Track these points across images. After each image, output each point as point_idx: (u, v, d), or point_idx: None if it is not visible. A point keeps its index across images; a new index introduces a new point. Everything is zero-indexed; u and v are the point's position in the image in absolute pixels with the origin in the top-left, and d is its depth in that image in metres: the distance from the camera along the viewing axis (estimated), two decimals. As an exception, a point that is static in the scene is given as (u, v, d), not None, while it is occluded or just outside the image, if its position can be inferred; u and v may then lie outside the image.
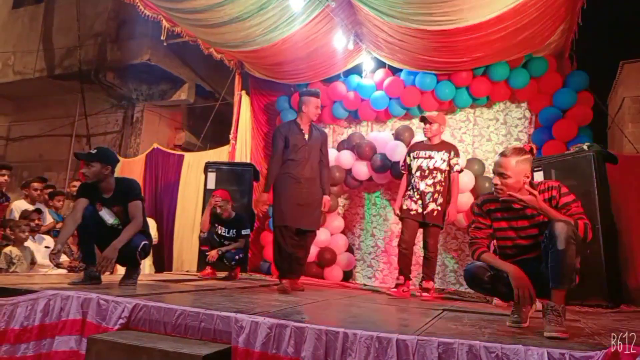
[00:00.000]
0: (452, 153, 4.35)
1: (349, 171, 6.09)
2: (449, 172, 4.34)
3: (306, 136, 4.04)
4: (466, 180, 5.36)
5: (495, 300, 4.02)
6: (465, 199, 5.39)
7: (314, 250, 5.94)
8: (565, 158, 4.35)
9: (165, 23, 5.50)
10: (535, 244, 2.43)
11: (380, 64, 6.21)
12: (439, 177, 4.30)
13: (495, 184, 2.47)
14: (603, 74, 6.37)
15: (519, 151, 2.44)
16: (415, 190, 4.33)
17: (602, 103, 5.63)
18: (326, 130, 6.78)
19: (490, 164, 5.73)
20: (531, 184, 2.46)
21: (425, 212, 4.26)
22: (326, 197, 4.09)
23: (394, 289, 4.30)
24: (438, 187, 4.28)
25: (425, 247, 4.37)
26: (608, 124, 7.04)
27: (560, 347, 1.79)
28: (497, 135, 5.87)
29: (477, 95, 5.74)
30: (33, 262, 4.70)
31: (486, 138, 5.91)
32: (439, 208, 4.26)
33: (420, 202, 4.29)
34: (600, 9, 4.68)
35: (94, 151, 3.35)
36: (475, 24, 4.67)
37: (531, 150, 2.49)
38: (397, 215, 4.48)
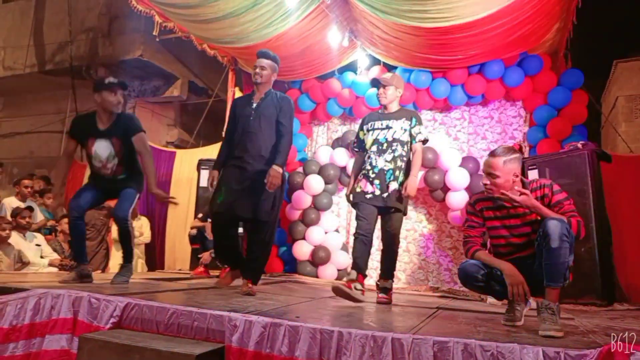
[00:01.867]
0: (414, 120, 3.49)
1: (343, 169, 6.07)
2: (411, 143, 3.49)
3: (254, 104, 3.42)
4: (461, 178, 5.36)
5: (489, 299, 4.02)
6: (460, 197, 5.40)
7: (307, 249, 5.93)
8: (559, 156, 4.36)
9: (158, 18, 5.45)
10: (529, 242, 2.45)
11: (375, 61, 6.19)
12: (400, 150, 3.44)
13: (485, 184, 2.51)
14: (597, 72, 6.41)
15: (507, 151, 2.46)
16: (371, 168, 3.45)
17: (596, 102, 5.65)
18: (321, 129, 6.77)
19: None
20: (523, 183, 2.47)
21: (385, 195, 3.37)
22: (274, 168, 3.21)
23: (343, 282, 3.48)
24: (399, 163, 3.42)
25: (384, 237, 3.47)
26: (602, 123, 7.08)
27: (555, 346, 1.78)
28: (492, 133, 5.87)
29: (472, 93, 5.74)
30: (23, 261, 4.64)
31: (481, 136, 5.91)
32: (402, 188, 3.40)
33: (378, 182, 3.39)
34: (595, 8, 4.69)
35: (115, 80, 3.29)
36: (470, 22, 4.66)
37: (520, 149, 2.51)
38: (349, 200, 3.61)
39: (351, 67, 6.44)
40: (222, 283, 3.60)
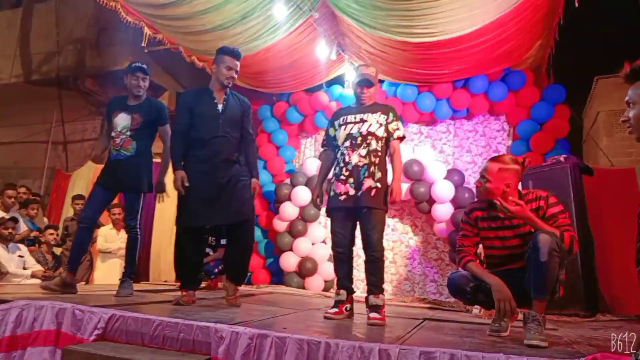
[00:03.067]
0: (391, 115, 3.16)
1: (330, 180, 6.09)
2: (387, 140, 3.16)
3: (220, 106, 3.25)
4: (446, 190, 5.42)
5: (475, 310, 4.05)
6: (445, 210, 5.45)
7: (294, 260, 5.92)
8: (542, 169, 4.44)
9: (147, 30, 5.46)
10: (521, 254, 2.45)
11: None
12: (375, 144, 3.08)
13: (476, 185, 2.59)
14: (579, 88, 6.55)
15: (507, 160, 2.50)
16: (344, 165, 3.09)
17: (577, 116, 5.77)
18: (309, 141, 6.80)
19: (469, 175, 5.81)
20: (519, 193, 2.49)
21: (359, 193, 2.99)
22: (255, 180, 3.29)
23: (334, 309, 2.96)
24: (374, 158, 3.05)
25: (365, 244, 2.99)
26: (583, 137, 7.21)
27: (540, 356, 1.81)
28: (476, 146, 5.96)
29: (457, 107, 5.84)
30: (2, 272, 4.55)
31: (466, 149, 5.99)
32: (379, 185, 3.00)
33: (352, 180, 3.03)
34: (577, 26, 4.81)
35: (145, 66, 3.50)
36: (455, 37, 4.76)
37: (523, 163, 2.51)
38: (317, 206, 3.39)
39: (339, 81, 6.51)
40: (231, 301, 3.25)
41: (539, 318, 2.19)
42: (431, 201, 5.58)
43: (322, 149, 3.48)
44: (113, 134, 3.43)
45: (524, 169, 2.50)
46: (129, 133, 3.40)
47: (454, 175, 5.62)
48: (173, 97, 8.91)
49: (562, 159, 4.39)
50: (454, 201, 5.45)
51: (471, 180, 5.68)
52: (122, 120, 3.42)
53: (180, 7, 4.90)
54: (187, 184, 3.11)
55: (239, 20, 5.06)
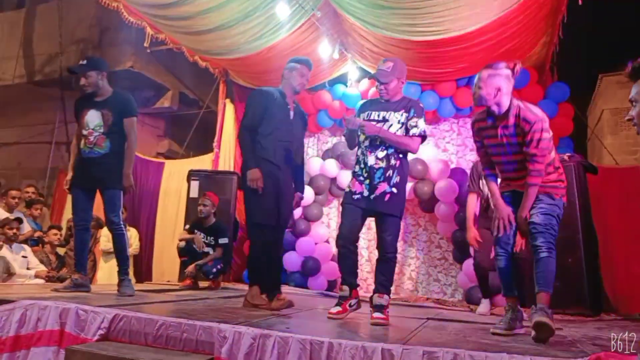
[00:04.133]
0: (412, 111, 2.98)
1: (333, 180, 6.09)
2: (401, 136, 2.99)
3: (291, 112, 3.27)
4: (449, 189, 5.40)
5: (478, 309, 4.04)
6: (448, 209, 5.43)
7: (297, 260, 5.92)
8: (546, 168, 4.41)
9: (149, 30, 5.47)
10: (521, 167, 2.55)
11: (366, 74, 6.25)
12: (394, 147, 2.96)
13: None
14: (583, 86, 6.53)
15: (498, 66, 2.58)
16: (363, 166, 3.00)
17: (582, 115, 5.75)
18: (312, 140, 6.80)
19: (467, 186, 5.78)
20: (511, 102, 2.53)
21: (373, 196, 2.92)
22: (299, 194, 3.38)
23: (337, 307, 2.91)
24: (393, 161, 2.94)
25: (379, 244, 3.00)
26: (588, 136, 7.18)
27: (544, 355, 1.80)
28: (480, 145, 5.93)
29: (461, 106, 5.81)
30: (10, 272, 4.57)
31: (469, 148, 5.96)
32: (394, 190, 2.92)
33: (367, 182, 2.95)
34: (581, 23, 4.79)
35: (84, 62, 3.40)
36: (458, 36, 4.75)
37: (513, 68, 2.58)
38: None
39: (342, 80, 6.50)
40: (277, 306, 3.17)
41: (547, 309, 2.26)
42: (434, 200, 5.56)
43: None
44: (85, 132, 3.36)
45: (514, 73, 2.58)
46: (102, 130, 3.34)
47: (457, 174, 5.60)
48: (176, 96, 8.93)
49: (566, 157, 4.37)
50: (457, 200, 5.43)
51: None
52: (93, 117, 3.36)
53: (182, 6, 4.90)
54: (261, 185, 3.09)
55: (241, 20, 5.06)
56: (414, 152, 3.04)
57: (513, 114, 2.51)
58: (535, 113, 2.49)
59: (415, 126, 2.96)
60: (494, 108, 2.54)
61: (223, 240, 4.78)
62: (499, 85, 2.51)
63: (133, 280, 6.15)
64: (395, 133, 2.94)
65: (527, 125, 2.46)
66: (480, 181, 4.00)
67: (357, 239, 3.04)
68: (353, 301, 2.95)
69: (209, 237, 4.79)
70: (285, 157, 3.19)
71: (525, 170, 2.50)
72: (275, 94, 3.21)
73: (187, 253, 4.73)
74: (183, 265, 4.97)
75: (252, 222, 3.18)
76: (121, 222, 3.42)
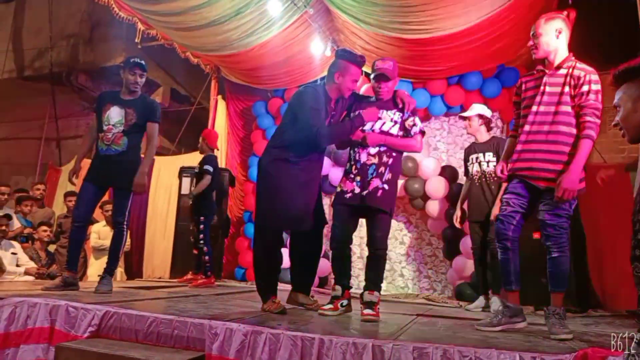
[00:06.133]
0: (406, 110, 3.04)
1: (325, 177, 6.09)
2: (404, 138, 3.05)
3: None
4: (439, 187, 5.43)
5: (469, 306, 4.08)
6: (439, 206, 5.46)
7: (287, 258, 5.90)
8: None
9: (140, 25, 5.43)
10: (545, 127, 2.44)
11: (357, 71, 6.24)
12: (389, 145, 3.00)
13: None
14: (572, 85, 6.59)
15: (551, 14, 2.55)
16: (354, 164, 3.02)
17: (571, 113, 5.80)
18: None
19: (463, 172, 5.82)
20: (574, 63, 2.45)
21: (365, 192, 2.92)
22: None
23: (329, 305, 2.95)
24: (385, 158, 2.96)
25: (369, 241, 3.00)
26: (576, 134, 7.25)
27: (532, 351, 1.83)
28: (470, 143, 5.95)
29: (452, 104, 5.84)
30: (4, 270, 4.54)
31: (460, 146, 5.99)
32: (386, 187, 2.92)
33: (359, 178, 2.96)
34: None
35: (143, 62, 3.47)
36: (450, 34, 4.77)
37: (567, 15, 2.53)
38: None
39: (334, 77, 6.49)
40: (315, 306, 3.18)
41: (560, 312, 2.32)
42: (425, 197, 5.59)
43: None
44: (104, 127, 3.35)
45: (568, 18, 2.52)
46: (122, 128, 3.34)
47: (448, 171, 5.63)
48: (167, 93, 8.88)
49: (555, 155, 4.40)
50: (447, 197, 5.46)
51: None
52: (115, 114, 3.36)
53: (174, 2, 4.88)
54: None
55: (233, 16, 5.04)
56: (419, 151, 3.16)
57: (567, 66, 2.43)
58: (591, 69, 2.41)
59: (414, 124, 3.01)
60: (552, 57, 2.46)
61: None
62: (560, 27, 2.47)
63: (124, 277, 6.18)
64: (399, 137, 2.99)
65: (581, 73, 2.37)
66: (467, 163, 4.26)
67: (350, 240, 3.04)
68: (345, 301, 2.97)
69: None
70: (322, 159, 3.18)
71: (546, 142, 2.40)
72: (323, 97, 2.99)
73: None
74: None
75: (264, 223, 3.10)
76: (125, 223, 3.42)
